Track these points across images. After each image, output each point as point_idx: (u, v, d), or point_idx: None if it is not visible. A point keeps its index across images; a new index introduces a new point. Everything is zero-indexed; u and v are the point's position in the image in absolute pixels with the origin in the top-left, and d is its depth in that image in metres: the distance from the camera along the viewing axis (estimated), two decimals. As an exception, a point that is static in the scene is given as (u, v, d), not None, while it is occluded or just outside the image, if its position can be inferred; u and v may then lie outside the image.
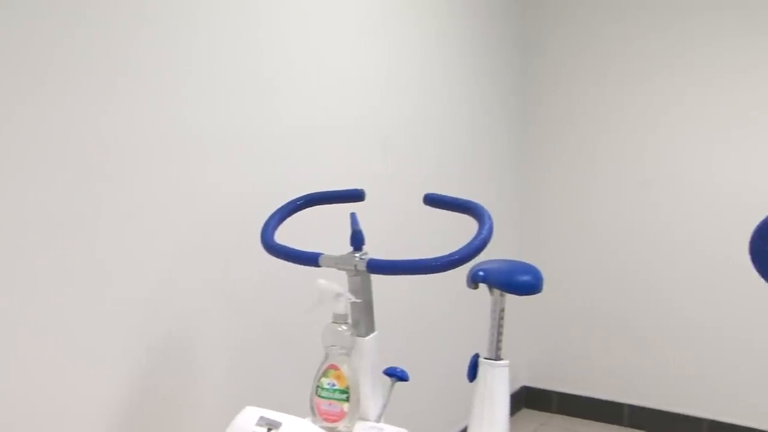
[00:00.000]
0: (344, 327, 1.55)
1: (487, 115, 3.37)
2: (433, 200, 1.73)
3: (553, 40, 3.56)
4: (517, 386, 3.69)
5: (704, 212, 3.23)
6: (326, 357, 1.55)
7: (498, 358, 2.05)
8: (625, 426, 3.49)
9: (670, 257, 3.34)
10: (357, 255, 1.58)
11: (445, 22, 3.05)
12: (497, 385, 2.02)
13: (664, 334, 3.38)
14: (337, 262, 1.59)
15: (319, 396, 1.55)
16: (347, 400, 1.52)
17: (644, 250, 3.40)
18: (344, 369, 1.53)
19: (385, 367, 1.66)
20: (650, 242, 3.38)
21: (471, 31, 3.23)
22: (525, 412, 3.71)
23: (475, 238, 1.47)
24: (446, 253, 1.47)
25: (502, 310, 2.10)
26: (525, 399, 3.74)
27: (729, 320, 3.21)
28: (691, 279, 3.29)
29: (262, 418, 1.40)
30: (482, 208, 1.56)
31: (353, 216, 1.63)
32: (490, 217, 1.52)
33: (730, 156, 3.19)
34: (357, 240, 1.60)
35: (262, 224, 1.76)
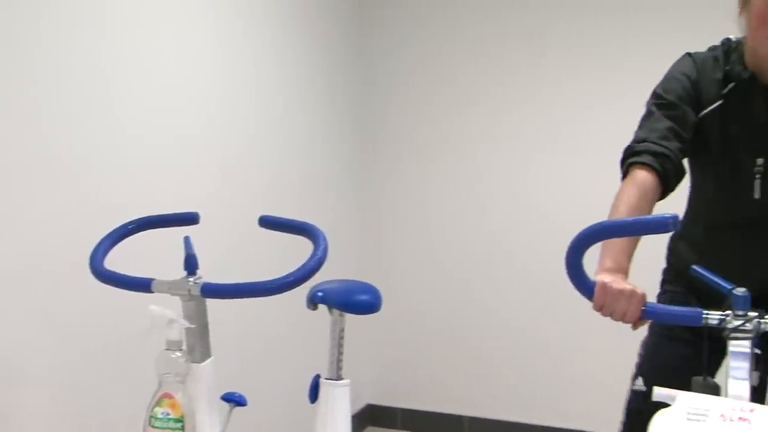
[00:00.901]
0: (178, 354, 1.51)
1: (325, 135, 3.40)
2: (268, 222, 1.73)
3: (391, 59, 3.66)
4: (362, 404, 3.73)
5: (532, 230, 3.42)
6: (160, 385, 1.51)
7: (339, 377, 2.05)
8: (465, 437, 3.62)
9: (502, 274, 3.51)
10: (191, 279, 1.55)
11: (282, 43, 3.06)
12: (338, 404, 2.03)
13: (496, 347, 3.53)
14: (170, 288, 1.55)
15: (153, 426, 1.49)
16: (182, 429, 1.48)
17: (478, 267, 3.55)
18: (179, 397, 1.49)
19: (222, 392, 1.63)
20: (483, 260, 3.54)
21: (308, 50, 3.26)
22: (370, 430, 3.75)
23: (309, 260, 1.48)
24: (282, 275, 1.47)
25: (342, 330, 2.11)
26: (370, 417, 3.78)
27: (556, 333, 3.40)
28: (521, 294, 3.47)
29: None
30: (317, 229, 1.57)
31: (186, 240, 1.59)
32: (324, 239, 1.54)
33: (551, 174, 3.40)
34: (190, 264, 1.57)
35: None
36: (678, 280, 1.81)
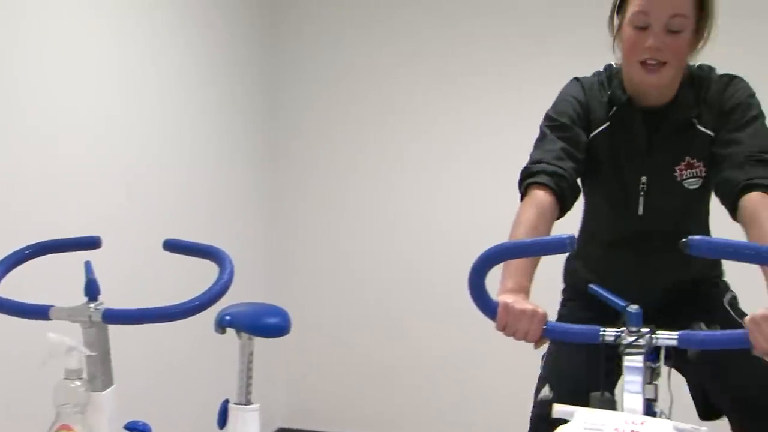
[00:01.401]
0: (78, 383, 1.46)
1: (234, 156, 3.37)
2: (173, 246, 1.70)
3: (302, 82, 3.67)
4: (273, 428, 3.68)
5: (442, 249, 3.47)
6: (57, 417, 1.45)
7: (248, 402, 2.03)
8: (377, 458, 3.62)
9: (412, 294, 3.55)
10: (92, 305, 1.51)
11: (190, 71, 3.02)
12: (248, 429, 2.00)
13: (407, 366, 3.56)
14: (70, 314, 1.51)
15: (50, 460, 1.44)
16: (81, 461, 1.43)
17: (389, 287, 3.58)
18: (78, 429, 1.44)
19: (125, 421, 1.59)
20: (394, 279, 3.57)
21: (216, 75, 3.23)
22: (282, 454, 3.71)
23: (215, 284, 1.47)
24: (187, 299, 1.45)
25: (251, 354, 2.09)
26: (282, 440, 3.74)
27: (464, 350, 3.45)
28: (430, 314, 3.51)
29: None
30: (223, 252, 1.56)
31: (87, 265, 1.55)
32: (230, 262, 1.52)
33: (460, 194, 3.47)
34: (91, 290, 1.52)
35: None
36: (576, 297, 1.87)
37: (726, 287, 1.85)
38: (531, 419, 1.83)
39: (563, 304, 1.94)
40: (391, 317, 3.58)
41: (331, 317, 3.66)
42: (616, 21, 1.66)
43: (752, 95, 1.66)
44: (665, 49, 1.56)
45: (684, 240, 1.17)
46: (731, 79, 1.68)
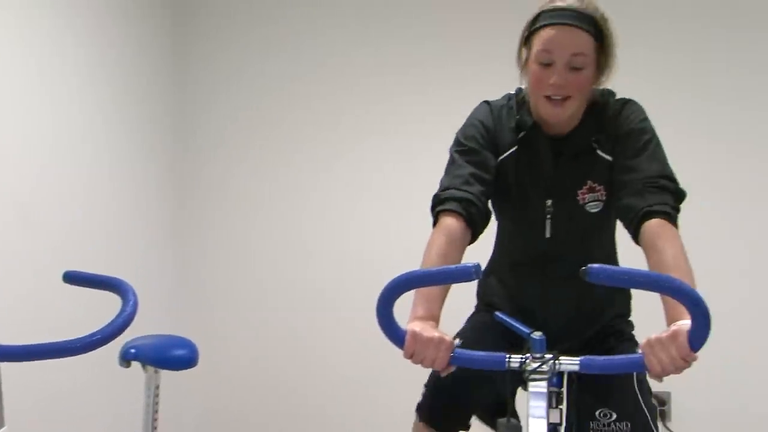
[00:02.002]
0: (-33, 423, 1.39)
1: (139, 183, 3.29)
2: (73, 278, 1.64)
3: (212, 110, 3.63)
4: (182, 462, 3.57)
5: (355, 278, 3.45)
6: (-56, 460, 1.37)
7: (153, 437, 1.98)
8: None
9: (326, 323, 3.51)
10: (-18, 341, 1.44)
11: (93, 97, 2.95)
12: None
13: (321, 394, 3.52)
14: (-42, 352, 1.43)
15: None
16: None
17: (302, 316, 3.54)
18: (-33, 472, 1.36)
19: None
20: (308, 308, 3.54)
21: (121, 102, 3.16)
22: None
23: (117, 317, 1.43)
24: (88, 333, 1.40)
25: (157, 387, 2.04)
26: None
27: (379, 377, 3.44)
28: (345, 342, 3.48)
29: None
30: (125, 284, 1.52)
31: (-21, 298, 1.48)
32: (134, 294, 1.48)
33: (374, 224, 3.48)
34: (-16, 325, 1.45)
35: None
36: (487, 312, 1.88)
37: (629, 320, 1.90)
38: (431, 374, 1.81)
39: (474, 314, 1.95)
40: (306, 347, 3.54)
41: (241, 347, 3.59)
42: (524, 54, 1.71)
43: (645, 119, 1.72)
44: (568, 85, 1.62)
45: (583, 268, 1.20)
46: (625, 104, 1.74)
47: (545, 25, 1.62)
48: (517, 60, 1.73)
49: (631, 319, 1.89)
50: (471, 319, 1.92)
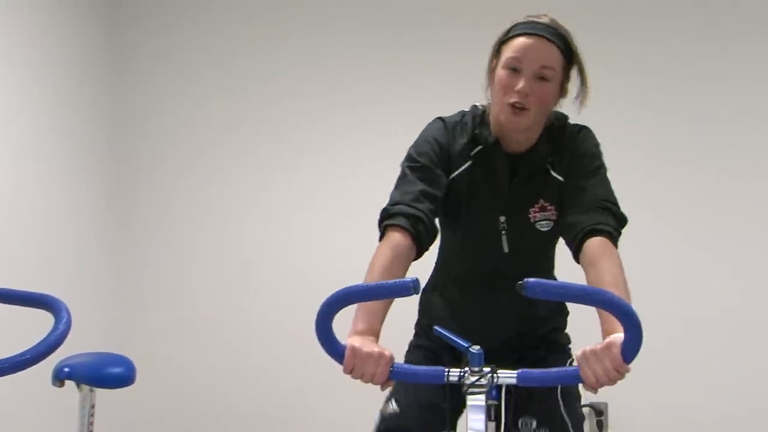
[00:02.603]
0: None
1: (72, 198, 3.23)
2: (3, 296, 1.59)
3: (149, 125, 3.59)
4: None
5: (295, 292, 3.44)
6: None
7: (88, 458, 1.93)
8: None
9: (269, 335, 3.49)
10: None
11: (28, 115, 2.88)
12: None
13: (263, 407, 3.49)
14: None
15: None
16: None
17: (241, 331, 3.51)
18: None
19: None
20: (245, 322, 3.51)
21: (56, 119, 3.09)
22: None
23: (49, 335, 1.39)
24: (18, 351, 1.36)
25: (92, 407, 1.99)
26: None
27: (321, 391, 3.41)
28: (286, 357, 3.46)
29: None
30: (58, 301, 1.47)
31: None
32: (67, 311, 1.44)
33: (315, 239, 3.49)
34: None
35: None
36: (429, 334, 1.89)
37: (567, 334, 1.94)
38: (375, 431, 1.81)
39: (414, 338, 1.96)
40: (248, 364, 3.51)
41: (180, 364, 3.54)
42: (493, 63, 1.74)
43: (597, 146, 1.78)
44: (532, 94, 1.66)
45: (520, 282, 1.22)
46: (581, 130, 1.80)
47: (519, 34, 1.67)
48: (487, 72, 1.75)
49: (567, 332, 1.93)
50: (409, 352, 1.92)
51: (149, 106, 3.60)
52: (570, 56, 1.70)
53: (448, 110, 1.87)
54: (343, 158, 3.49)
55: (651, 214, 3.23)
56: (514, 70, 1.65)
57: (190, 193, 3.57)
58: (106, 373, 1.96)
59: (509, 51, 1.67)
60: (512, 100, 1.66)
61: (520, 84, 1.64)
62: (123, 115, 3.59)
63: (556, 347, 1.86)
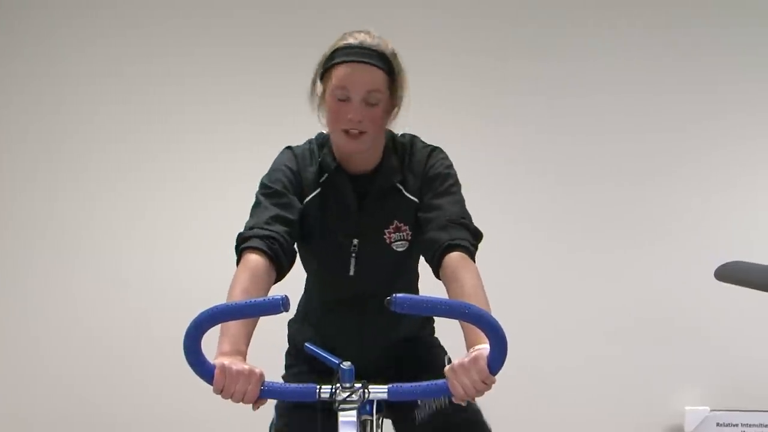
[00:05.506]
0: None
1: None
2: None
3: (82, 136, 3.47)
4: None
5: (169, 315, 3.34)
6: None
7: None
8: None
9: (144, 354, 3.39)
10: None
11: None
12: None
13: (142, 423, 3.39)
14: None
15: None
16: None
17: (120, 345, 3.41)
18: None
19: None
20: (126, 338, 3.41)
21: None
22: None
23: None
24: None
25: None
26: None
27: (204, 410, 3.33)
28: (171, 378, 3.35)
29: None
30: None
31: None
32: None
33: (181, 260, 3.42)
34: None
35: None
36: (299, 359, 1.89)
37: (441, 346, 1.98)
38: None
39: (286, 367, 1.95)
40: (132, 379, 3.42)
41: (49, 385, 3.38)
42: (318, 88, 1.74)
43: (450, 165, 1.83)
44: (365, 119, 1.67)
45: (388, 298, 1.23)
46: (433, 150, 1.84)
47: (341, 62, 1.66)
48: (309, 96, 1.75)
49: (441, 345, 1.97)
50: (283, 378, 1.91)
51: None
52: (393, 73, 1.71)
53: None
54: (211, 177, 3.44)
55: (529, 226, 3.35)
56: (342, 99, 1.66)
57: (65, 205, 3.45)
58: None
59: (335, 79, 1.66)
60: (346, 127, 1.67)
61: (351, 113, 1.66)
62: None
63: (430, 361, 1.89)
